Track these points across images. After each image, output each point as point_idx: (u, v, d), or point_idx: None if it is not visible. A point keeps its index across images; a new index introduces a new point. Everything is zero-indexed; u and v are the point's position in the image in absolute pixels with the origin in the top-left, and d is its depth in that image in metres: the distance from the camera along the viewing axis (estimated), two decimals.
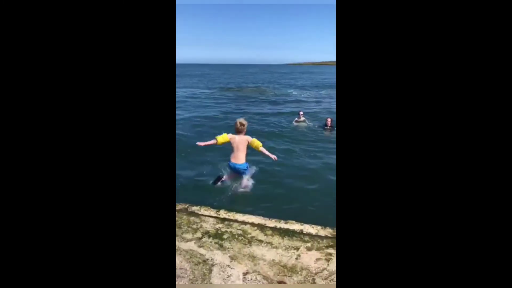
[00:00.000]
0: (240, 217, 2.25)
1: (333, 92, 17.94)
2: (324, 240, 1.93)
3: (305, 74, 40.11)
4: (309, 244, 1.88)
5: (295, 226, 2.10)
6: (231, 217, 2.23)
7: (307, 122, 7.97)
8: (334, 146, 5.74)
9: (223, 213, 2.28)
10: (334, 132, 7.01)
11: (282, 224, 2.12)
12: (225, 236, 1.98)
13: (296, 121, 7.97)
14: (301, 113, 8.17)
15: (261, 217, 2.25)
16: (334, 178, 3.93)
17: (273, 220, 2.18)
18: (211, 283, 1.53)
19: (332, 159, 4.72)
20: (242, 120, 3.67)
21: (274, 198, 3.35)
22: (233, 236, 1.98)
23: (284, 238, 1.96)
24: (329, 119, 7.22)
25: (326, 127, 7.14)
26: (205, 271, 1.66)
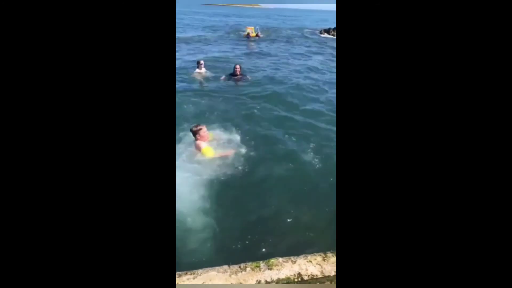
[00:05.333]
0: (190, 283, 1.29)
1: (221, 34, 16.07)
2: None
3: (187, 13, 33.20)
4: None
5: (285, 269, 1.34)
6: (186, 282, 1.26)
7: (210, 72, 6.71)
8: (260, 104, 4.91)
9: None
10: (246, 80, 6.14)
11: (266, 273, 1.32)
12: None
13: (197, 73, 6.58)
14: (202, 62, 6.71)
15: (226, 267, 1.37)
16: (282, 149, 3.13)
17: (248, 268, 1.35)
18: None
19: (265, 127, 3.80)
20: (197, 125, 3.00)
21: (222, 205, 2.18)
22: None
23: None
24: (237, 66, 6.15)
25: (235, 77, 6.11)
26: None
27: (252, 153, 2.92)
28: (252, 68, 7.55)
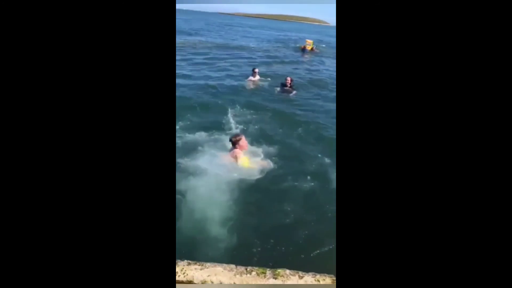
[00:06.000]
0: (197, 273, 1.34)
1: (281, 46, 16.55)
2: None
3: (246, 26, 35.78)
4: None
5: (291, 281, 1.30)
6: (182, 278, 1.31)
7: (262, 80, 6.97)
8: (305, 118, 4.89)
9: None
10: (294, 93, 6.22)
11: (270, 281, 1.30)
12: None
13: (251, 80, 6.89)
14: (256, 70, 7.05)
15: (233, 266, 1.38)
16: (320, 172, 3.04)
17: (254, 273, 1.34)
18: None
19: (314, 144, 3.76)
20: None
21: (244, 216, 2.21)
22: None
23: None
24: (288, 78, 6.35)
25: (285, 88, 6.27)
26: None
27: (282, 167, 2.94)
28: (302, 81, 7.61)
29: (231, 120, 4.05)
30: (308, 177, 2.78)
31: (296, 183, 2.66)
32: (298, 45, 15.99)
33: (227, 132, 3.56)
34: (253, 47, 15.09)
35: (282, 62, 10.65)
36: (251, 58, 11.10)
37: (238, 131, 3.49)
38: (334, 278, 1.32)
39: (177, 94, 5.77)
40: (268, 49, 14.57)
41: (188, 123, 3.95)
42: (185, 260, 1.42)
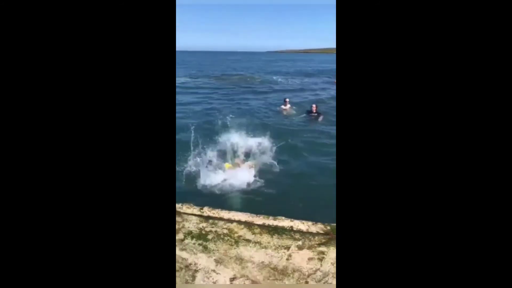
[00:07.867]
0: (225, 214, 2.09)
1: (317, 80, 17.76)
2: (316, 237, 1.81)
3: (289, 61, 39.98)
4: (300, 242, 1.76)
5: (284, 222, 1.97)
6: (216, 215, 2.07)
7: (292, 109, 7.89)
8: (323, 134, 5.73)
9: (207, 211, 2.12)
10: (320, 118, 7.03)
11: (270, 221, 1.99)
12: (209, 237, 1.82)
13: (282, 109, 7.85)
14: (287, 100, 8.06)
15: (248, 213, 2.10)
16: (321, 170, 3.85)
17: (261, 217, 2.04)
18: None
19: (322, 151, 4.62)
20: None
21: (262, 194, 3.26)
22: (218, 236, 1.83)
23: (274, 236, 1.83)
24: (314, 105, 7.27)
25: (311, 114, 7.14)
26: (188, 277, 1.51)
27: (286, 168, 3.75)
28: (330, 107, 8.39)
29: (257, 141, 5.00)
30: (312, 173, 3.54)
31: (297, 172, 3.44)
32: (332, 80, 17.04)
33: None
34: (288, 79, 16.67)
35: (313, 92, 11.70)
36: (285, 89, 12.40)
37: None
38: (314, 223, 1.95)
39: (217, 118, 6.99)
40: (302, 81, 15.95)
41: (220, 140, 5.02)
42: (219, 208, 2.19)
